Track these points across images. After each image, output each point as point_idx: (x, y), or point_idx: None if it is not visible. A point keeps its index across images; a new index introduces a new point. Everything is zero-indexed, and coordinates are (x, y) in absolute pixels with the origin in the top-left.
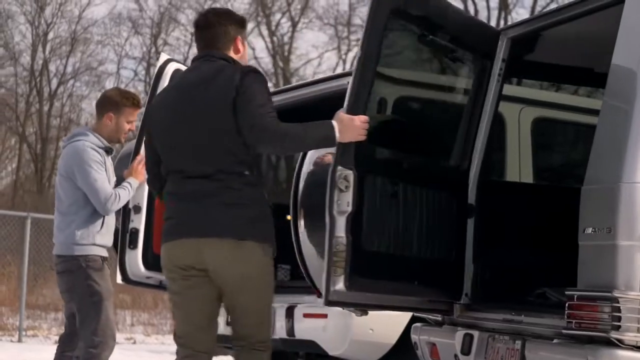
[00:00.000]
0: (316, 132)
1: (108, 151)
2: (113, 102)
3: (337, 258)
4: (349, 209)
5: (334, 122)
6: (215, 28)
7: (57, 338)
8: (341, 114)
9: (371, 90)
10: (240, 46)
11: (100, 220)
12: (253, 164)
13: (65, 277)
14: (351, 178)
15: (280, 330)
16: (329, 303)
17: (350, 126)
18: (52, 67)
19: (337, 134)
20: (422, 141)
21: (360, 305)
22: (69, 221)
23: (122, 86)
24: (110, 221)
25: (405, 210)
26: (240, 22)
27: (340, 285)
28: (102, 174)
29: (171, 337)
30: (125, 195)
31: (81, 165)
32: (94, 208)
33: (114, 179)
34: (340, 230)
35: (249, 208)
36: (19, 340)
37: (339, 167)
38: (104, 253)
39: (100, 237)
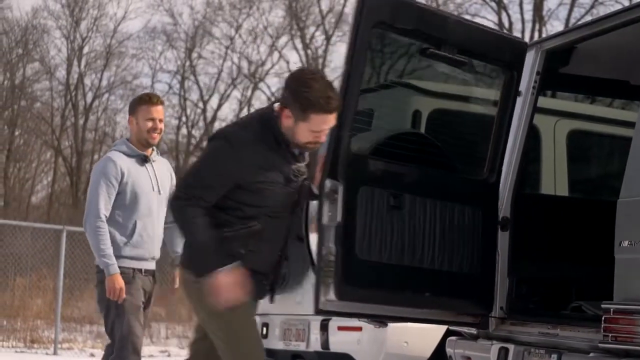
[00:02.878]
0: (200, 254)
1: (144, 159)
2: (130, 106)
3: (327, 268)
4: (338, 220)
5: (220, 273)
6: None
7: (92, 351)
8: (222, 278)
9: (357, 104)
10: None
11: (130, 231)
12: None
13: (97, 289)
14: (340, 190)
15: (315, 343)
16: (319, 312)
17: (218, 288)
18: (87, 81)
19: (208, 278)
20: (439, 154)
21: (352, 315)
22: None
23: None
24: (148, 231)
25: (412, 222)
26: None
27: (330, 295)
28: (105, 189)
29: None
30: (97, 240)
31: (93, 175)
32: (122, 219)
33: (154, 186)
34: (330, 241)
35: None
36: (55, 353)
37: (327, 180)
38: (137, 265)
39: (130, 249)
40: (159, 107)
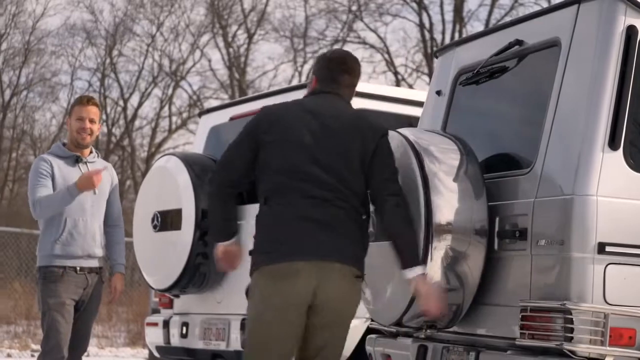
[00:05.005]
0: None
1: (76, 159)
2: (69, 108)
3: None
4: None
5: None
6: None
7: (9, 351)
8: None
9: None
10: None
11: (60, 229)
12: None
13: (37, 288)
14: None
15: (235, 342)
16: None
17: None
18: (5, 78)
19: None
20: None
21: None
22: (39, 232)
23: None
24: (80, 229)
25: None
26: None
27: None
28: (41, 181)
29: (124, 349)
30: (53, 201)
31: (29, 176)
32: (52, 217)
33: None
34: None
35: None
36: None
37: None
38: (68, 263)
39: (60, 247)
40: (90, 107)
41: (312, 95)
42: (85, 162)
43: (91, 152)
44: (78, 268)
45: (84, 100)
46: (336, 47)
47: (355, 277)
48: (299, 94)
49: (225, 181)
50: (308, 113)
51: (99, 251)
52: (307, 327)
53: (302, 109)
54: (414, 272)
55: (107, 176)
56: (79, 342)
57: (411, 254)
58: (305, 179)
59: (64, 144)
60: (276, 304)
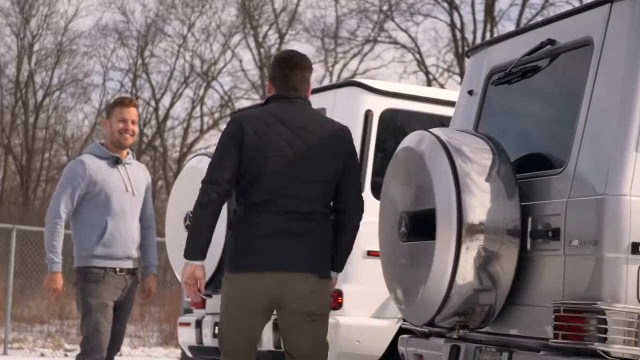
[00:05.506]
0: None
1: (115, 161)
2: (106, 109)
3: None
4: None
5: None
6: (308, 72)
7: (42, 350)
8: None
9: None
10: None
11: (101, 231)
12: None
13: (75, 289)
14: None
15: (267, 343)
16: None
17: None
18: (37, 79)
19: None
20: None
21: None
22: (73, 234)
23: (108, 98)
24: (121, 230)
25: None
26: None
27: None
28: (68, 191)
29: (157, 349)
30: (49, 236)
31: (62, 175)
32: (93, 219)
33: (127, 187)
34: None
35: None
36: (4, 353)
37: None
38: (109, 264)
39: (101, 248)
40: (131, 109)
41: (279, 103)
42: (124, 164)
43: (127, 153)
44: (118, 269)
45: (126, 102)
46: (367, 47)
47: (319, 278)
48: (330, 94)
49: (220, 179)
50: (282, 125)
51: (137, 252)
52: (285, 327)
53: (277, 120)
54: (335, 274)
55: (143, 177)
56: (114, 342)
57: (342, 261)
58: (286, 195)
59: (101, 144)
60: (240, 308)
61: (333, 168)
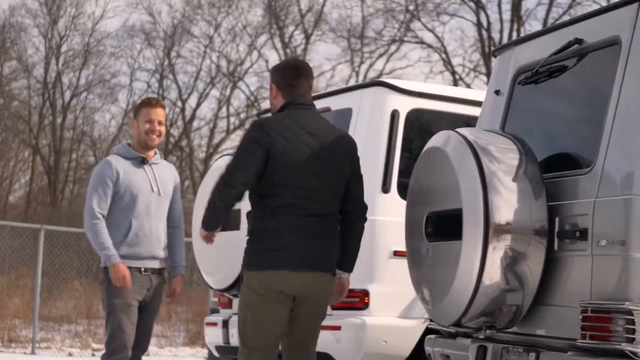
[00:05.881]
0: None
1: (142, 161)
2: (134, 110)
3: None
4: None
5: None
6: (312, 80)
7: (70, 350)
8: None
9: None
10: None
11: (125, 231)
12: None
13: (101, 287)
14: None
15: None
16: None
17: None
18: (65, 80)
19: None
20: None
21: None
22: None
23: (135, 98)
24: (145, 230)
25: None
26: None
27: None
28: (100, 190)
29: (183, 349)
30: (94, 235)
31: (91, 177)
32: (118, 218)
33: (153, 187)
34: None
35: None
36: (32, 353)
37: None
38: (133, 264)
39: (125, 248)
40: (158, 110)
41: (296, 110)
42: (151, 164)
43: (155, 153)
44: (143, 269)
45: (153, 102)
46: (393, 47)
47: (333, 278)
48: (357, 94)
49: (241, 180)
50: (304, 131)
51: (163, 252)
52: (296, 323)
53: (299, 127)
54: (347, 274)
55: (171, 177)
56: (140, 341)
57: (353, 261)
58: (310, 197)
59: (128, 144)
60: (269, 305)
61: (346, 171)
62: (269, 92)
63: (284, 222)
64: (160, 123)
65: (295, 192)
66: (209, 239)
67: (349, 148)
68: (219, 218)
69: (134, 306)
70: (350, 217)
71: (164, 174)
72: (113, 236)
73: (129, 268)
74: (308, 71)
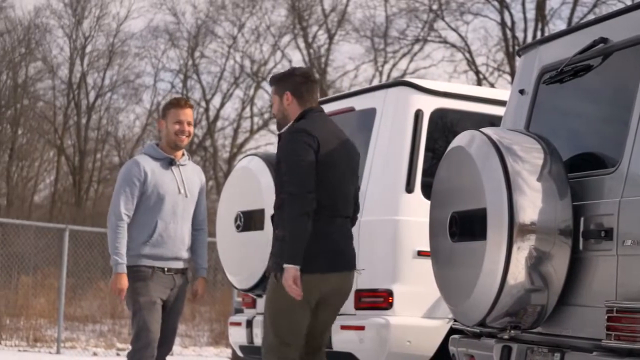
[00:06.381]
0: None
1: (170, 162)
2: (161, 110)
3: None
4: None
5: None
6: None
7: (95, 350)
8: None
9: None
10: None
11: (150, 231)
12: None
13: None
14: None
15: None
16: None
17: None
18: (89, 80)
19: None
20: None
21: None
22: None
23: (159, 99)
24: (170, 232)
25: None
26: None
27: None
28: (127, 191)
29: (207, 349)
30: (113, 237)
31: (119, 176)
32: (144, 219)
33: (180, 189)
34: None
35: None
36: (58, 352)
37: None
38: (157, 264)
39: (149, 248)
40: (187, 110)
41: (321, 115)
42: (179, 165)
43: (183, 154)
44: (166, 269)
45: (182, 103)
46: (417, 46)
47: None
48: (380, 94)
49: (312, 186)
50: (335, 136)
51: (187, 254)
52: (320, 321)
53: (331, 132)
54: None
55: (197, 179)
56: (165, 341)
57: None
58: (345, 200)
59: (157, 144)
60: (308, 304)
61: (357, 175)
62: (277, 101)
63: (332, 225)
64: (189, 124)
65: (337, 195)
66: (297, 281)
67: (357, 152)
68: (304, 239)
69: (158, 304)
70: (353, 220)
71: (190, 176)
72: (138, 236)
73: (152, 267)
74: (315, 78)
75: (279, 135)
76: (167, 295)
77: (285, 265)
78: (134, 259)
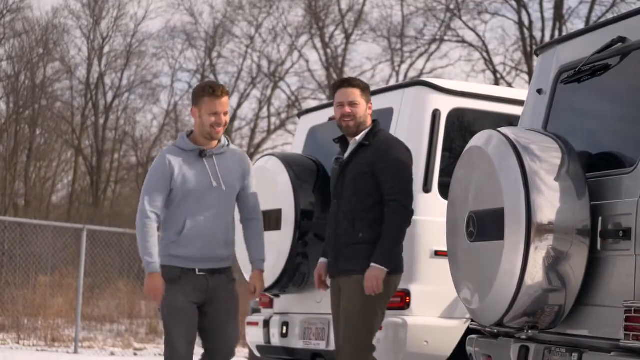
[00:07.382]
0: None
1: (200, 153)
2: (193, 95)
3: None
4: None
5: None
6: None
7: (112, 349)
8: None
9: None
10: None
11: (178, 230)
12: None
13: None
14: None
15: (334, 342)
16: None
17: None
18: (107, 81)
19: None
20: None
21: None
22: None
23: (176, 99)
24: (200, 229)
25: None
26: None
27: None
28: (155, 186)
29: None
30: (141, 238)
31: (149, 170)
32: (172, 216)
33: (213, 181)
34: None
35: None
36: (75, 352)
37: None
38: (185, 264)
39: (176, 248)
40: (224, 100)
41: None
42: (212, 155)
43: (218, 142)
44: (197, 270)
45: (218, 93)
46: (434, 46)
47: None
48: (398, 94)
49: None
50: None
51: (224, 251)
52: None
53: None
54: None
55: (236, 167)
56: (218, 346)
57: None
58: None
59: (188, 134)
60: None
61: None
62: (364, 107)
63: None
64: (225, 114)
65: None
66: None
67: None
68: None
69: (187, 309)
70: None
71: (227, 165)
72: (166, 235)
73: (181, 269)
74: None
75: (354, 139)
76: (202, 298)
77: (379, 267)
78: (163, 258)
